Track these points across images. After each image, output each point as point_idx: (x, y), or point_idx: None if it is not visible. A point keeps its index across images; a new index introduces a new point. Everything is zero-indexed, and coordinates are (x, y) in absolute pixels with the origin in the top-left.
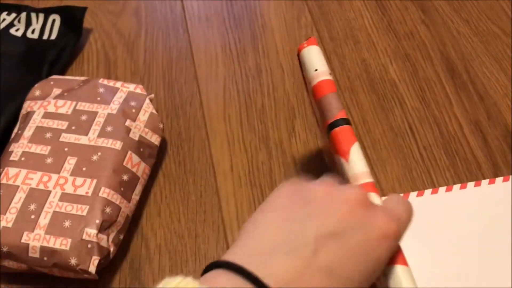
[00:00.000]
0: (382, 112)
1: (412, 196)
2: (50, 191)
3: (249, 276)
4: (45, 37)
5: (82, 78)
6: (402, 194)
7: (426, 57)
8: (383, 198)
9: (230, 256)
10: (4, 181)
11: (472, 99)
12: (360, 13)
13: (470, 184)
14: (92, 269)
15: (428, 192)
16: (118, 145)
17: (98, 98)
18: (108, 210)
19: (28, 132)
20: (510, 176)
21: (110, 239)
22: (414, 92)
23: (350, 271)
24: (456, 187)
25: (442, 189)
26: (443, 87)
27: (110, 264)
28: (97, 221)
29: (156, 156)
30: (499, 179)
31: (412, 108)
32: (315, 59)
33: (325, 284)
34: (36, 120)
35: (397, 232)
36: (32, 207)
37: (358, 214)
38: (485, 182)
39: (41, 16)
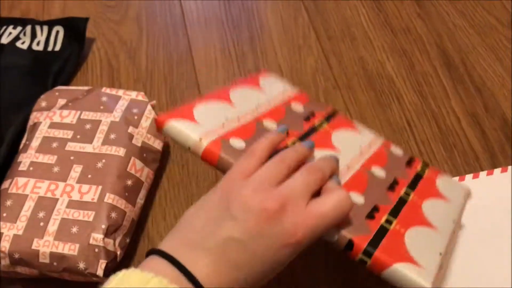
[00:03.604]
0: (380, 108)
1: (435, 167)
2: (57, 199)
3: (180, 266)
4: (49, 48)
5: (86, 87)
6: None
7: (423, 51)
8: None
9: (167, 244)
10: (14, 190)
11: (469, 92)
12: (356, 10)
13: (468, 176)
14: (100, 272)
15: None
16: (121, 151)
17: (101, 107)
18: (113, 215)
19: (35, 142)
20: (509, 167)
21: (117, 243)
22: (411, 86)
23: (254, 268)
24: (455, 179)
25: None
26: (440, 80)
27: (118, 267)
28: (103, 226)
29: (160, 161)
30: (497, 170)
31: (409, 103)
32: (183, 135)
33: (233, 275)
34: (43, 131)
35: (301, 240)
36: (41, 214)
37: (262, 227)
38: (483, 173)
39: (45, 28)
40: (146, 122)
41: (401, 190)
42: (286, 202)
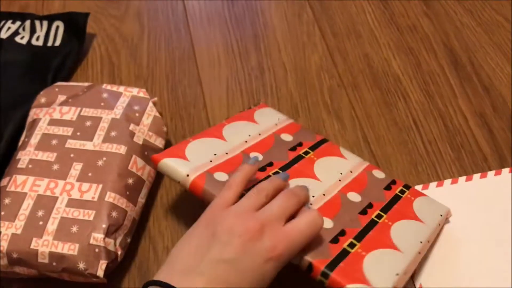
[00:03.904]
0: (386, 107)
1: (417, 189)
2: (57, 197)
3: None
4: (49, 44)
5: (86, 84)
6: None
7: (430, 49)
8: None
9: (162, 275)
10: (12, 188)
11: (476, 91)
12: (362, 7)
13: (476, 176)
14: (100, 273)
15: (433, 185)
16: (122, 149)
17: (102, 104)
18: (114, 214)
19: (34, 139)
20: None
21: (117, 243)
22: (418, 85)
23: (243, 285)
24: (462, 179)
25: (447, 182)
26: (447, 79)
27: (118, 267)
28: (104, 226)
29: None
30: (505, 170)
31: (416, 102)
32: (175, 170)
33: None
34: (42, 128)
35: (281, 253)
36: (40, 213)
37: (246, 246)
38: (491, 173)
39: (45, 23)
40: (147, 119)
41: (374, 213)
42: (265, 223)
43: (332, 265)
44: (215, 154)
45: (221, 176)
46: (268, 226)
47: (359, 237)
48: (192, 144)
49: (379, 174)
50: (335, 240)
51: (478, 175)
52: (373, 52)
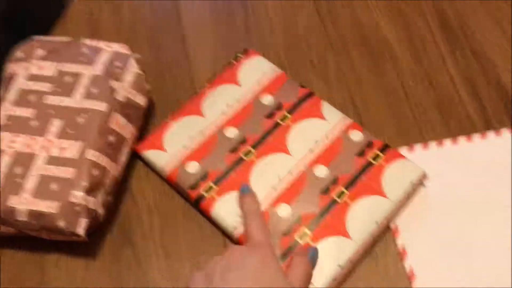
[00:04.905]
0: (376, 70)
1: (403, 151)
2: (36, 155)
3: None
4: None
5: (65, 38)
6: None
7: (421, 14)
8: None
9: None
10: None
11: (467, 57)
12: None
13: (462, 139)
14: (81, 231)
15: (419, 146)
16: (103, 106)
17: (82, 59)
18: (95, 172)
19: (11, 95)
20: (503, 129)
21: (99, 201)
22: (408, 50)
23: None
24: (448, 141)
25: (433, 144)
26: (437, 45)
27: (100, 226)
28: (84, 184)
29: (143, 118)
30: (491, 133)
31: (405, 65)
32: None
33: None
34: (20, 83)
35: None
36: (18, 170)
37: None
38: (476, 136)
39: None
40: (129, 76)
41: (335, 192)
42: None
43: (280, 261)
44: (191, 137)
45: (192, 167)
46: None
47: (314, 224)
48: (170, 129)
49: (356, 135)
50: (288, 231)
51: (464, 138)
52: (363, 16)
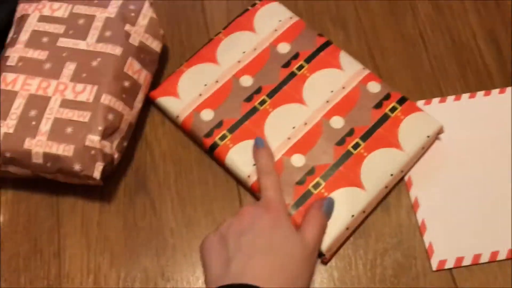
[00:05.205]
0: (393, 18)
1: (420, 104)
2: (50, 97)
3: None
4: None
5: None
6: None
7: None
8: None
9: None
10: (2, 87)
11: (487, 6)
12: None
13: (480, 93)
14: (97, 174)
15: (436, 100)
16: (118, 50)
17: (96, 1)
18: (110, 116)
19: (24, 36)
20: None
21: (114, 146)
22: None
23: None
24: (465, 96)
25: (450, 98)
26: None
27: (115, 172)
28: (100, 128)
29: (158, 64)
30: (509, 89)
31: (424, 14)
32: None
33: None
34: (32, 24)
35: (311, 253)
36: (33, 113)
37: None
38: (495, 91)
39: None
40: (143, 20)
41: (351, 143)
42: None
43: (296, 207)
44: (205, 85)
45: (207, 114)
46: None
47: (328, 174)
48: (185, 76)
49: (374, 87)
50: (301, 181)
51: (482, 92)
52: None
